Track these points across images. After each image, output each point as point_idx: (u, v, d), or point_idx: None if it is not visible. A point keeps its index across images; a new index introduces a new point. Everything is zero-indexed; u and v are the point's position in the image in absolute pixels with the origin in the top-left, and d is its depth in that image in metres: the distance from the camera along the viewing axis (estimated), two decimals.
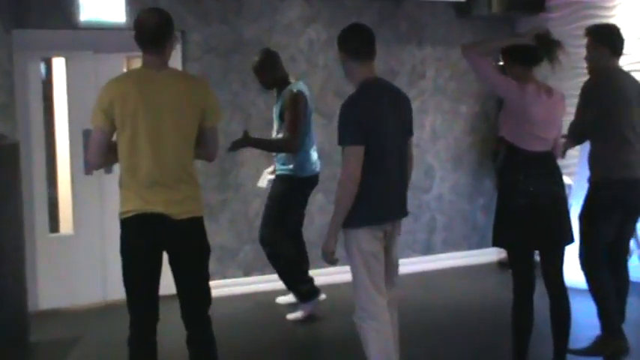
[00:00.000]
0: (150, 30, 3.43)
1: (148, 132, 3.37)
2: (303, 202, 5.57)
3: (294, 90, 5.27)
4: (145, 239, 3.41)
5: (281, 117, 5.34)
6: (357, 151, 3.66)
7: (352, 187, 3.67)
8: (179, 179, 3.44)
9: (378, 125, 3.73)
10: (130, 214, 3.40)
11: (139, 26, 3.46)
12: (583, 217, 4.55)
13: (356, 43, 3.84)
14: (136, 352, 3.51)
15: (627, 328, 4.59)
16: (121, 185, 3.48)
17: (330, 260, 3.77)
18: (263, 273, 6.25)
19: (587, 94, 4.45)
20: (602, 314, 4.52)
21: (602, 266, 4.51)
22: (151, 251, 3.45)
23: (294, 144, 5.21)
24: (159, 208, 3.38)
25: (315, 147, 5.53)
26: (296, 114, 5.20)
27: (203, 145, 3.56)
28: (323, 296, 5.57)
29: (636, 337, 4.69)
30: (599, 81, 4.48)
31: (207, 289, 3.58)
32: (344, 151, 3.71)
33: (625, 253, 4.75)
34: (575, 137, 4.58)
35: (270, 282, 6.11)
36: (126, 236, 3.44)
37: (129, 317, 3.54)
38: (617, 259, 4.66)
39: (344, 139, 3.71)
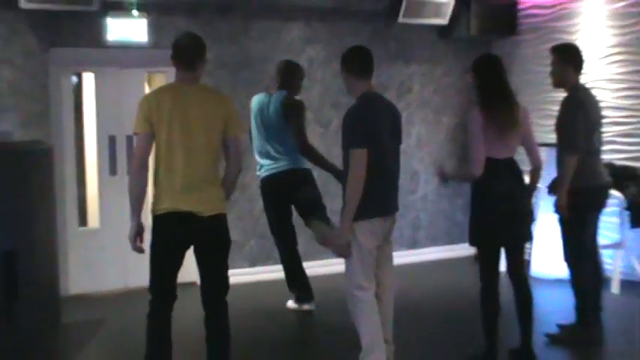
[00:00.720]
0: (187, 53, 3.56)
1: (181, 138, 3.46)
2: (267, 205, 5.26)
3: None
4: (175, 234, 3.49)
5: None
6: (362, 154, 3.69)
7: (360, 183, 3.69)
8: (206, 181, 3.52)
9: (377, 131, 3.76)
10: (163, 212, 3.48)
11: (178, 49, 3.57)
12: (565, 221, 4.46)
13: (357, 64, 3.88)
14: (154, 325, 3.59)
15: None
16: (155, 184, 3.53)
17: (344, 253, 3.78)
18: (266, 264, 6.28)
19: (574, 105, 4.37)
20: (579, 306, 4.51)
21: (586, 262, 4.49)
22: (179, 244, 3.53)
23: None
24: (189, 207, 3.46)
25: (260, 151, 5.20)
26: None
27: (228, 154, 3.63)
28: (307, 306, 5.33)
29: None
30: (576, 95, 4.41)
31: (227, 277, 3.65)
32: (351, 153, 3.72)
33: (597, 249, 4.72)
34: (578, 146, 4.32)
35: (272, 272, 6.11)
36: (158, 230, 3.50)
37: (149, 297, 3.58)
38: (594, 255, 4.65)
39: (350, 143, 3.73)
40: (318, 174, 5.25)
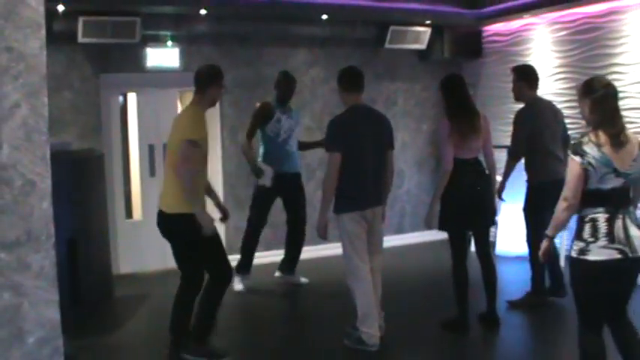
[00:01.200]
0: (197, 79, 3.64)
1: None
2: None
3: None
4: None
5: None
6: (335, 157, 3.69)
7: (332, 182, 3.71)
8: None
9: (354, 138, 3.72)
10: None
11: (195, 75, 3.67)
12: (527, 210, 4.48)
13: (347, 81, 3.90)
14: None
15: None
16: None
17: (322, 236, 3.81)
18: (278, 248, 6.11)
19: (520, 119, 4.39)
20: (534, 277, 4.54)
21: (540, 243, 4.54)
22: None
23: None
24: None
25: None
26: None
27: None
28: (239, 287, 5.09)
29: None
30: (527, 108, 4.43)
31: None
32: (328, 156, 3.75)
33: None
34: (517, 153, 4.44)
35: (279, 256, 5.82)
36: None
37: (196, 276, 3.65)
38: None
39: (327, 148, 3.77)
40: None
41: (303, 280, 5.40)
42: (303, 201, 5.29)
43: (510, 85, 4.61)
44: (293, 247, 5.35)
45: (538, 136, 4.42)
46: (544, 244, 3.00)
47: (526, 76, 4.49)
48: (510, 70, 4.59)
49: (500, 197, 4.56)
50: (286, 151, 5.12)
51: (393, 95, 6.96)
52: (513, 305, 4.64)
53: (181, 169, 3.45)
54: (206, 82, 3.58)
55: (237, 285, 5.16)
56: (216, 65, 3.73)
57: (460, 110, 3.99)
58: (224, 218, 3.83)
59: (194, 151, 3.45)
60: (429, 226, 4.11)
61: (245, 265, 5.23)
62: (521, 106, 4.54)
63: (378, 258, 3.93)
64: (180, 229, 3.55)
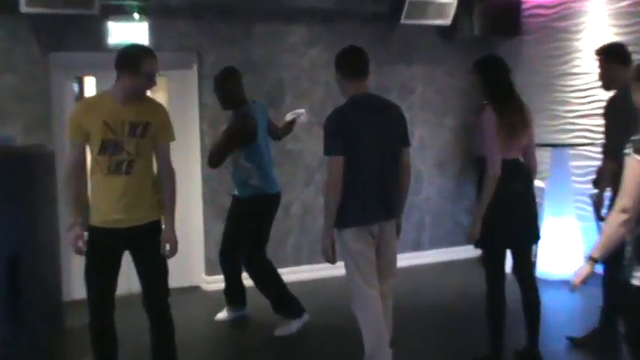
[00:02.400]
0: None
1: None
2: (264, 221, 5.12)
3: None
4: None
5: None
6: (337, 161, 3.65)
7: (335, 192, 3.67)
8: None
9: (357, 136, 3.68)
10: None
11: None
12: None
13: (348, 65, 3.82)
14: None
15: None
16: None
17: (329, 259, 3.79)
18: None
19: (618, 108, 4.17)
20: (606, 309, 4.35)
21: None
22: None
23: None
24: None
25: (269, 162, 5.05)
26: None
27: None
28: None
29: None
30: (622, 95, 4.12)
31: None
32: (327, 160, 3.73)
33: None
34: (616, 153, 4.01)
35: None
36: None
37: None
38: None
39: (326, 150, 3.72)
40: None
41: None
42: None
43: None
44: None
45: (632, 131, 4.29)
46: (586, 268, 2.85)
47: (622, 57, 4.31)
48: (597, 53, 4.41)
49: (599, 216, 4.40)
50: (271, 162, 5.08)
51: (410, 82, 6.99)
52: (577, 343, 4.52)
53: None
54: (117, 67, 3.63)
55: (220, 314, 5.27)
56: (145, 47, 3.79)
57: (508, 100, 3.96)
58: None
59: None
60: (472, 242, 4.08)
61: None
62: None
63: (389, 282, 3.92)
64: None
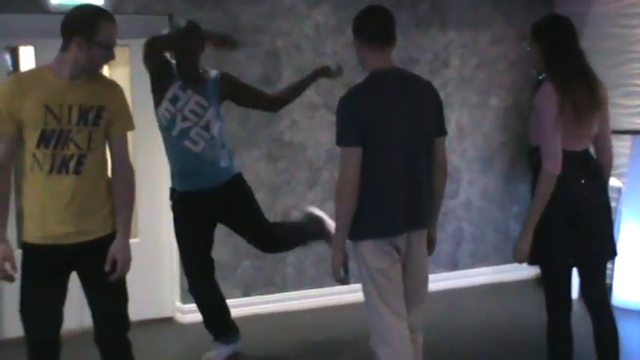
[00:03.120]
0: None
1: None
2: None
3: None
4: None
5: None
6: (354, 154, 3.69)
7: (350, 194, 3.71)
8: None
9: (379, 122, 3.73)
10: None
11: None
12: None
13: (372, 29, 3.84)
14: None
15: None
16: None
17: (339, 279, 3.84)
18: (264, 293, 6.28)
19: None
20: None
21: None
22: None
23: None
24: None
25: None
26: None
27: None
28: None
29: None
30: None
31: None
32: (340, 152, 3.77)
33: None
34: None
35: (272, 302, 6.22)
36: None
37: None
38: None
39: (339, 139, 3.75)
40: None
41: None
42: (254, 210, 5.31)
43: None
44: None
45: None
46: None
47: None
48: None
49: None
50: (188, 155, 5.03)
51: (443, 52, 6.99)
52: None
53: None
54: (63, 34, 3.67)
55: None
56: (101, 8, 3.80)
57: (574, 75, 3.95)
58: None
59: None
60: (519, 259, 4.09)
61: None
62: None
63: (419, 310, 3.96)
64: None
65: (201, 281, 5.20)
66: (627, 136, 6.08)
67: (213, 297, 5.22)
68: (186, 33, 4.91)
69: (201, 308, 5.23)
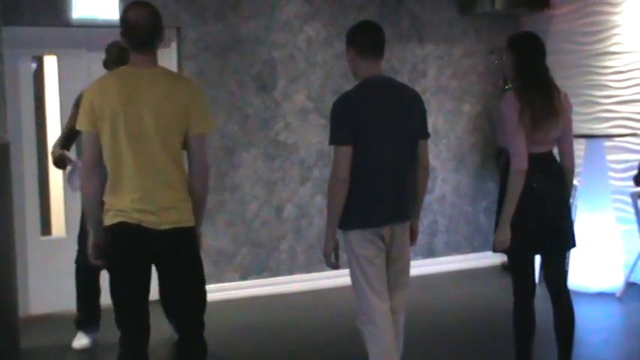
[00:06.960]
0: (143, 32, 3.33)
1: (129, 134, 3.28)
2: None
3: None
4: (127, 248, 3.38)
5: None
6: (345, 152, 3.67)
7: (341, 188, 3.69)
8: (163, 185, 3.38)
9: (369, 124, 3.71)
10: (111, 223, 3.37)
11: (131, 27, 3.33)
12: None
13: (365, 42, 3.82)
14: None
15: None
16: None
17: (330, 264, 3.81)
18: (260, 277, 6.28)
19: None
20: None
21: None
22: (141, 261, 3.41)
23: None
24: (140, 217, 3.33)
25: None
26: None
27: (188, 155, 3.42)
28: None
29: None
30: None
31: (199, 296, 3.61)
32: (334, 151, 3.72)
33: None
34: None
35: (267, 286, 6.17)
36: (110, 244, 3.42)
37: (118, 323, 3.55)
38: None
39: (332, 139, 3.73)
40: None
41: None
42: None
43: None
44: None
45: None
46: None
47: None
48: None
49: None
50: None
51: (421, 63, 6.98)
52: None
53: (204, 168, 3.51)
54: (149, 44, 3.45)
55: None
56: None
57: (535, 82, 3.96)
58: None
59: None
60: (499, 249, 4.07)
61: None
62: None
63: (401, 293, 3.93)
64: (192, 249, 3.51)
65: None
66: (582, 140, 6.02)
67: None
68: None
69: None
